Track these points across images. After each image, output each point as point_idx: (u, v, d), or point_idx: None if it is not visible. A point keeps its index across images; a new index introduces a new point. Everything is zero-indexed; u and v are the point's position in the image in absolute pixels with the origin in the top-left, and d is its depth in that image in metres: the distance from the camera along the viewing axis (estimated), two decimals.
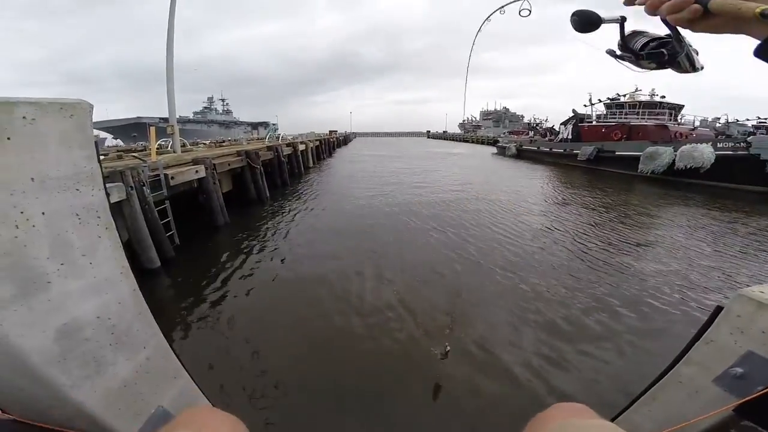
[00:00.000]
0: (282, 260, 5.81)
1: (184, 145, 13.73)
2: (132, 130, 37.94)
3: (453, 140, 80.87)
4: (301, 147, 19.01)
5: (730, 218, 9.62)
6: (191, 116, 59.58)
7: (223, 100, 66.80)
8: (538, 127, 48.81)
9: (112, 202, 4.70)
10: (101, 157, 1.55)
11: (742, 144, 15.53)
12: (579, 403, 0.57)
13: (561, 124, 30.91)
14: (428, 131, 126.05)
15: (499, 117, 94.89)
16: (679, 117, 24.26)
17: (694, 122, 25.48)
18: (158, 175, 6.27)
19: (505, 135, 55.39)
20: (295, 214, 8.89)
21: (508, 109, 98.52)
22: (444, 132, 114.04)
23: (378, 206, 9.73)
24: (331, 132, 58.12)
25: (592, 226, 8.44)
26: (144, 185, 5.69)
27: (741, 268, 5.81)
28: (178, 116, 10.59)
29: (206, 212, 7.77)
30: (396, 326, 3.87)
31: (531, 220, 8.82)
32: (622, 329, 3.87)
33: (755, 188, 14.51)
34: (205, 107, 64.24)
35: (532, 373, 3.12)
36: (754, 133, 19.37)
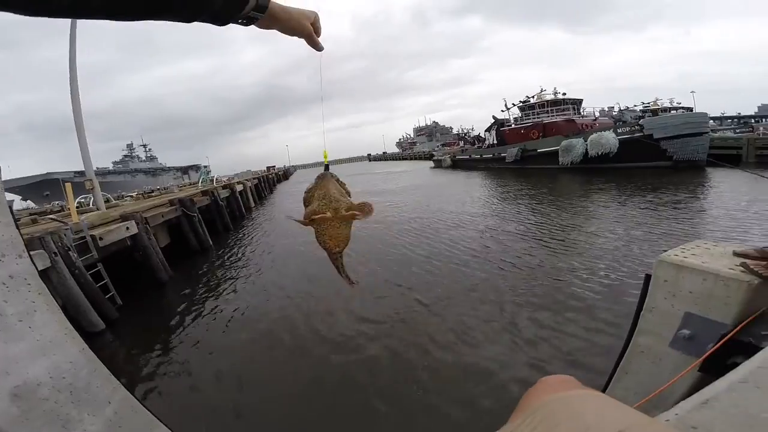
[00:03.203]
0: (235, 309, 5.53)
1: (107, 201, 12.74)
2: (43, 188, 33.39)
3: (393, 160, 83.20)
4: (239, 187, 18.25)
5: (643, 194, 11.06)
6: (111, 167, 54.15)
7: (145, 146, 61.12)
8: (466, 137, 51.74)
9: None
10: None
11: (636, 127, 17.96)
12: (565, 375, 0.57)
13: (485, 130, 33.14)
14: (369, 154, 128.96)
15: (431, 131, 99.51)
16: (581, 110, 27.19)
17: (594, 113, 28.70)
18: (84, 237, 5.79)
19: (439, 148, 58.03)
20: (242, 261, 8.45)
21: (437, 122, 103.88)
22: (384, 153, 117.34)
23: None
24: (269, 168, 56.59)
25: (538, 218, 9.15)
26: (69, 250, 5.22)
27: (664, 233, 6.80)
28: (95, 168, 9.72)
29: (146, 269, 7.21)
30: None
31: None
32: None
33: (656, 164, 16.87)
34: (126, 155, 58.26)
35: None
36: (642, 117, 22.34)
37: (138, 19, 0.53)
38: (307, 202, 0.87)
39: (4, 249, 1.15)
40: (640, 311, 1.71)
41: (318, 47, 0.76)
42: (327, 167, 0.90)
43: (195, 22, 0.60)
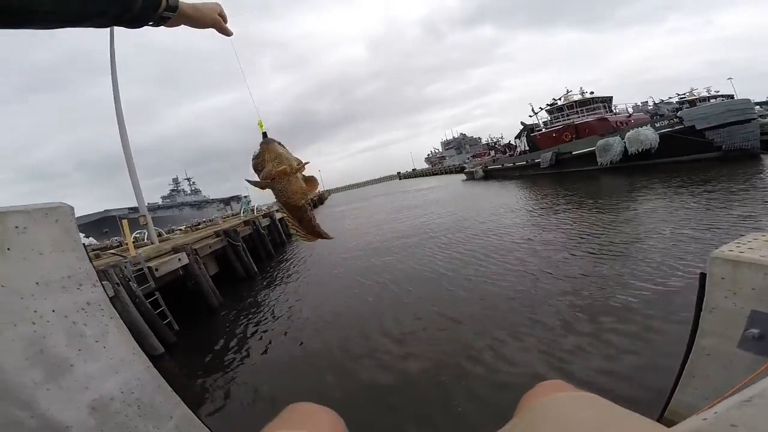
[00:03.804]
0: (284, 332, 5.65)
1: (160, 234, 13.65)
2: (102, 225, 35.94)
3: (423, 176, 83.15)
4: (278, 215, 18.96)
5: (693, 188, 10.33)
6: (160, 202, 57.06)
7: (189, 180, 63.98)
8: (497, 146, 50.85)
9: None
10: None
11: (675, 119, 16.95)
12: (559, 380, 0.63)
13: (515, 137, 32.44)
14: (399, 173, 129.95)
15: (459, 144, 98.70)
16: (612, 107, 26.13)
17: (627, 109, 27.38)
18: (142, 269, 6.26)
19: (469, 160, 57.39)
20: (285, 285, 8.69)
21: (465, 134, 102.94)
22: (413, 170, 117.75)
23: (364, 259, 9.46)
24: None
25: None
26: (130, 280, 5.70)
27: (719, 228, 6.25)
28: (146, 203, 10.52)
29: (198, 297, 7.64)
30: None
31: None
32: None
33: (704, 156, 15.78)
34: (172, 190, 61.12)
35: None
36: (680, 108, 20.99)
37: (63, 27, 0.56)
38: (259, 166, 0.91)
39: (82, 279, 1.31)
40: (700, 312, 1.60)
41: (227, 33, 0.83)
42: (265, 135, 0.94)
43: (111, 27, 0.63)
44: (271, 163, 0.89)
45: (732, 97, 22.27)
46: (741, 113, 15.31)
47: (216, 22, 0.80)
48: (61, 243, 1.26)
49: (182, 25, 0.75)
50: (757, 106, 22.78)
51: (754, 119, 15.55)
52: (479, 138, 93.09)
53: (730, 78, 28.93)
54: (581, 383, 3.00)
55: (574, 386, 0.60)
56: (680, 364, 1.68)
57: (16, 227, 1.12)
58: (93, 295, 1.34)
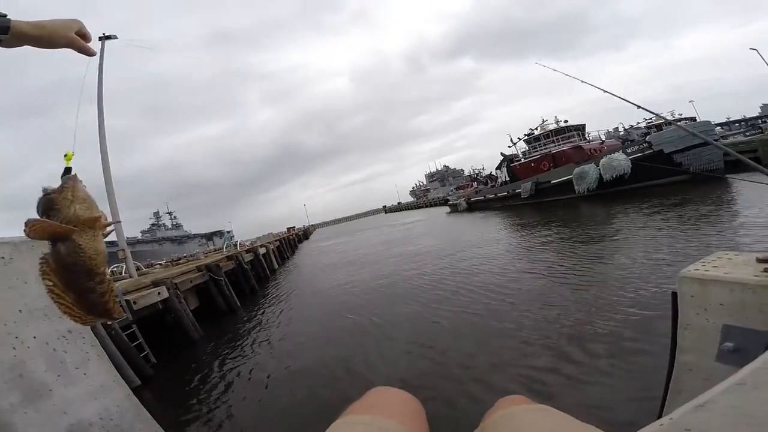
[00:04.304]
0: (262, 367, 5.50)
1: (138, 269, 13.23)
2: None
3: (408, 209, 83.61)
4: (262, 251, 18.51)
5: (665, 212, 10.73)
6: (140, 236, 55.70)
7: (170, 213, 62.76)
8: (479, 177, 51.85)
9: None
10: None
11: (644, 144, 17.77)
12: (518, 395, 0.67)
13: (496, 168, 33.26)
14: (384, 206, 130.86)
15: (443, 176, 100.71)
16: (586, 135, 27.24)
17: (599, 136, 28.57)
18: (119, 302, 6.06)
19: (453, 192, 58.26)
20: (267, 320, 8.44)
21: (448, 166, 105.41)
22: (399, 203, 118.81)
23: (346, 294, 9.17)
24: (289, 229, 57.40)
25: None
26: None
27: (693, 250, 6.39)
28: (125, 237, 10.30)
29: (178, 330, 7.41)
30: None
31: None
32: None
33: (675, 179, 16.50)
34: (153, 224, 59.93)
35: None
36: (648, 133, 22.00)
37: None
38: (56, 203, 0.64)
39: None
40: (676, 330, 1.68)
41: (89, 53, 0.76)
42: (69, 170, 0.71)
43: None
44: (79, 206, 0.65)
45: (694, 119, 23.41)
46: (703, 135, 16.08)
47: (71, 41, 0.72)
48: None
49: (27, 46, 0.67)
50: (718, 127, 23.89)
51: (715, 140, 16.31)
52: (462, 170, 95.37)
53: (691, 101, 30.59)
54: (566, 409, 2.97)
55: (533, 400, 0.63)
56: (665, 382, 1.72)
57: (2, 258, 1.13)
58: (74, 324, 1.34)
